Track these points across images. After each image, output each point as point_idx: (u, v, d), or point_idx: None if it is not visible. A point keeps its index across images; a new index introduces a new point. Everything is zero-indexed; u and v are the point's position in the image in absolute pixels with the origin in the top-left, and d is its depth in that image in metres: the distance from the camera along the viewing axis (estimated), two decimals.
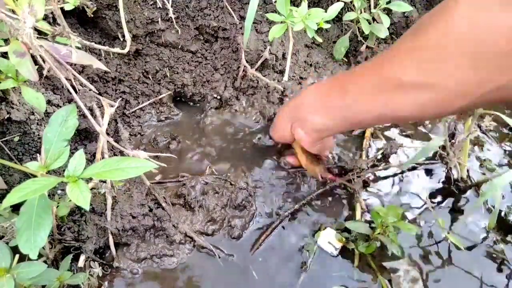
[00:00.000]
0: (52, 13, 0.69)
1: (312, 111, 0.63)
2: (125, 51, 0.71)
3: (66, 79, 0.48)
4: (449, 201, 0.80)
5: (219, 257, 0.71)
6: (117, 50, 0.67)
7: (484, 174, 0.84)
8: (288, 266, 0.71)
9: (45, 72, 0.48)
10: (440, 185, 0.83)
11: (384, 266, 0.71)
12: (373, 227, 0.70)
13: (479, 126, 0.92)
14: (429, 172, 0.85)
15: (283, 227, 0.75)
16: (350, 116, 0.58)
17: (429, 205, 0.76)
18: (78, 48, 0.48)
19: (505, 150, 0.89)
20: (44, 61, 0.46)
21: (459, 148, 0.79)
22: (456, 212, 0.79)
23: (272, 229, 0.74)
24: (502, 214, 0.78)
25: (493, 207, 0.73)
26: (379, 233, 0.68)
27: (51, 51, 0.46)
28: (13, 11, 0.44)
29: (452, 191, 0.81)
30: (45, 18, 0.69)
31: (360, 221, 0.73)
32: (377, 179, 0.83)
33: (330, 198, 0.80)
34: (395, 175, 0.84)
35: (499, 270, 0.72)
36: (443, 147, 0.81)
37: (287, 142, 0.76)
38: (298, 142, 0.72)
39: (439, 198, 0.81)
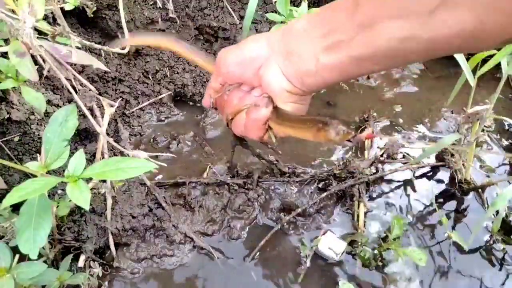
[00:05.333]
0: (52, 13, 0.69)
1: (305, 41, 0.43)
2: (125, 51, 0.71)
3: (66, 79, 0.48)
4: (452, 203, 0.80)
5: (218, 258, 0.71)
6: (117, 50, 0.67)
7: (488, 176, 0.83)
8: (287, 268, 0.71)
9: (45, 72, 0.48)
10: (444, 187, 0.83)
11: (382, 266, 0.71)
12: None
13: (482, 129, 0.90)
14: (433, 174, 0.85)
15: (282, 229, 0.75)
16: (359, 46, 0.39)
17: (435, 206, 0.75)
18: (78, 48, 0.48)
19: (504, 149, 0.89)
20: (44, 61, 0.46)
21: (464, 150, 0.77)
22: (459, 214, 0.79)
23: (271, 234, 0.73)
24: (504, 215, 0.78)
25: (497, 212, 0.73)
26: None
27: (51, 51, 0.46)
28: (13, 11, 0.44)
29: (455, 193, 0.81)
30: (45, 18, 0.69)
31: None
32: (380, 179, 0.82)
33: (330, 202, 0.79)
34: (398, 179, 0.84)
35: (499, 270, 0.72)
36: (445, 149, 0.81)
37: (236, 81, 0.48)
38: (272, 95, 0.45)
39: (442, 200, 0.81)
